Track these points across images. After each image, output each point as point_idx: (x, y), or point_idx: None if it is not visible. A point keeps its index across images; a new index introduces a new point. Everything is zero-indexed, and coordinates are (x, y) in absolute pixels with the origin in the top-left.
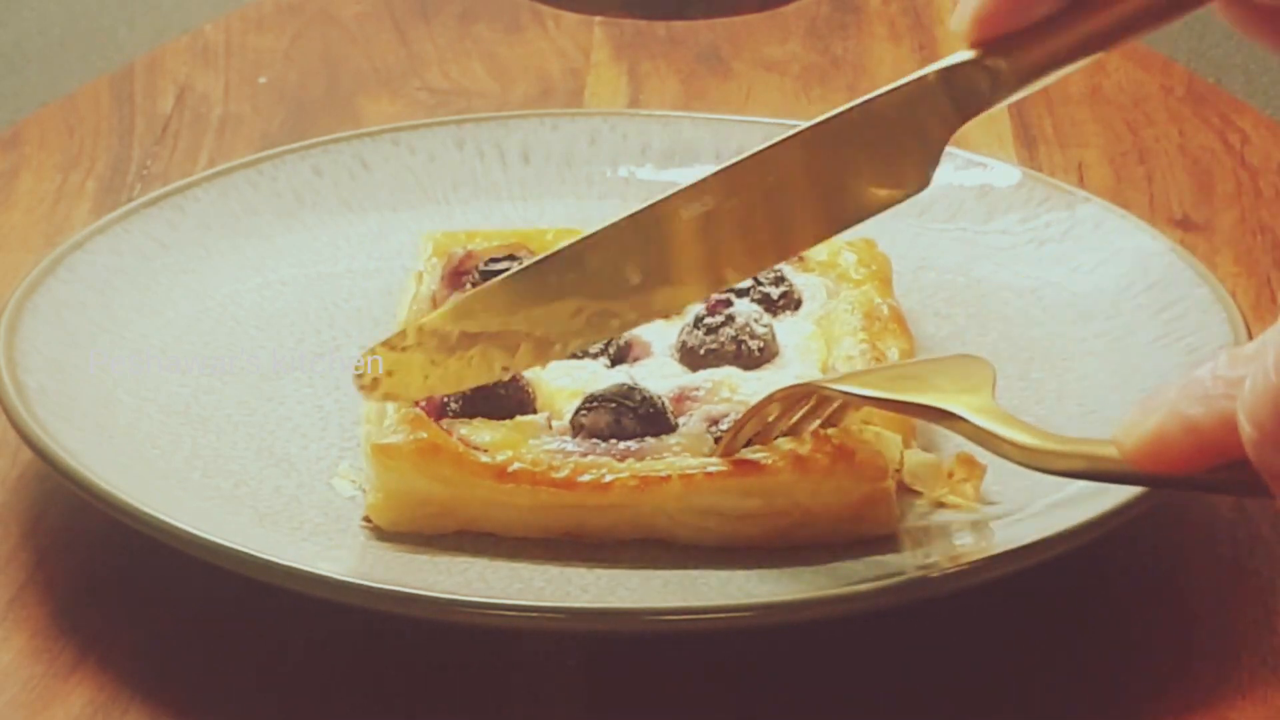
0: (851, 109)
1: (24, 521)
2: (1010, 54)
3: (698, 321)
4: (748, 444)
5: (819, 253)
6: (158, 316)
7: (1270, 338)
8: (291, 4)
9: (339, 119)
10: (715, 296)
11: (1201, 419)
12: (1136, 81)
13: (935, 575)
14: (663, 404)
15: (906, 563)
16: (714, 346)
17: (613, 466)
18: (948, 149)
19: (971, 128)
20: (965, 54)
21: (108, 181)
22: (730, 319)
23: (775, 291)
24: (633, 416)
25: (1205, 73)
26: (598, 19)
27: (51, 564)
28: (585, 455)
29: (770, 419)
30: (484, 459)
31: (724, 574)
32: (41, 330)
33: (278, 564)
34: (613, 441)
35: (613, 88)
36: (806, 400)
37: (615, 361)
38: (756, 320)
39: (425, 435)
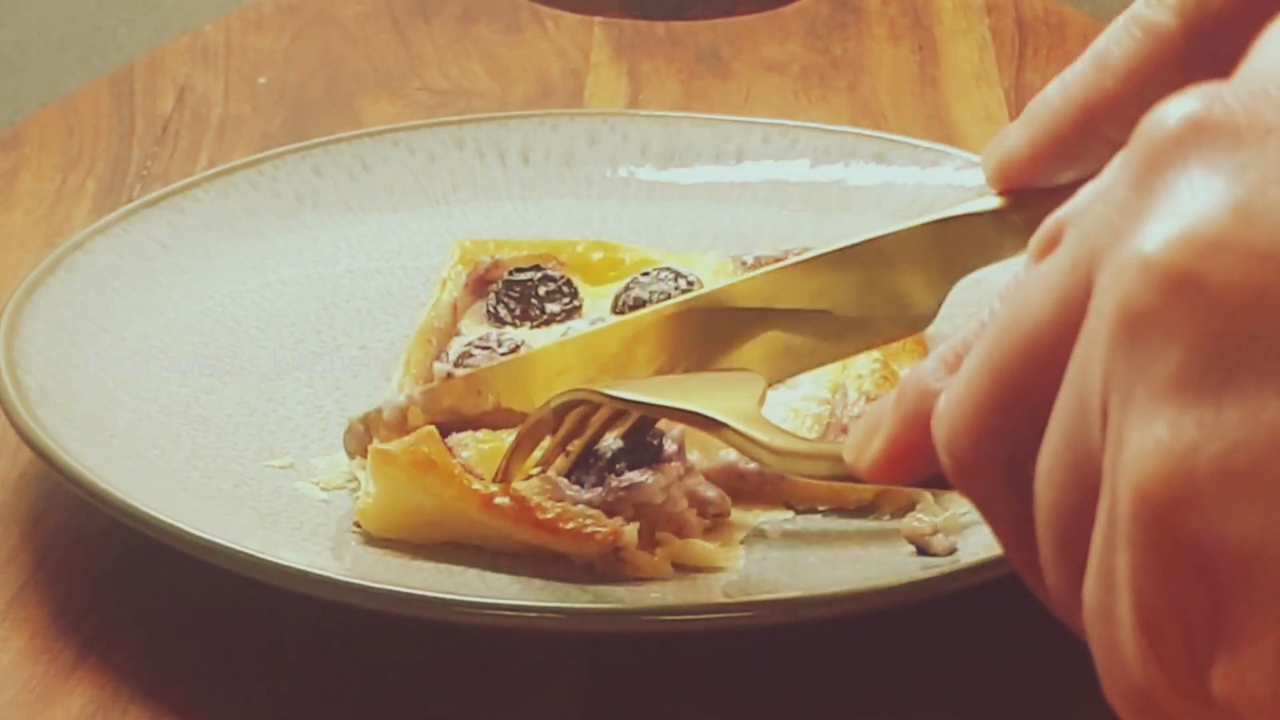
0: (862, 244)
1: (24, 521)
2: (1028, 209)
3: None
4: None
5: None
6: (158, 316)
7: (957, 344)
8: (291, 4)
9: (339, 119)
10: None
11: (918, 435)
12: None
13: (935, 575)
14: (640, 443)
15: (907, 563)
16: None
17: (599, 519)
18: (947, 149)
19: (971, 127)
20: (984, 203)
21: (108, 181)
22: None
23: None
24: (594, 464)
25: None
26: (597, 19)
27: (51, 564)
28: (576, 502)
29: (559, 432)
30: (476, 485)
31: (722, 574)
32: (41, 330)
33: (278, 564)
34: (610, 482)
35: (613, 88)
36: (593, 410)
37: None
38: None
39: (425, 450)
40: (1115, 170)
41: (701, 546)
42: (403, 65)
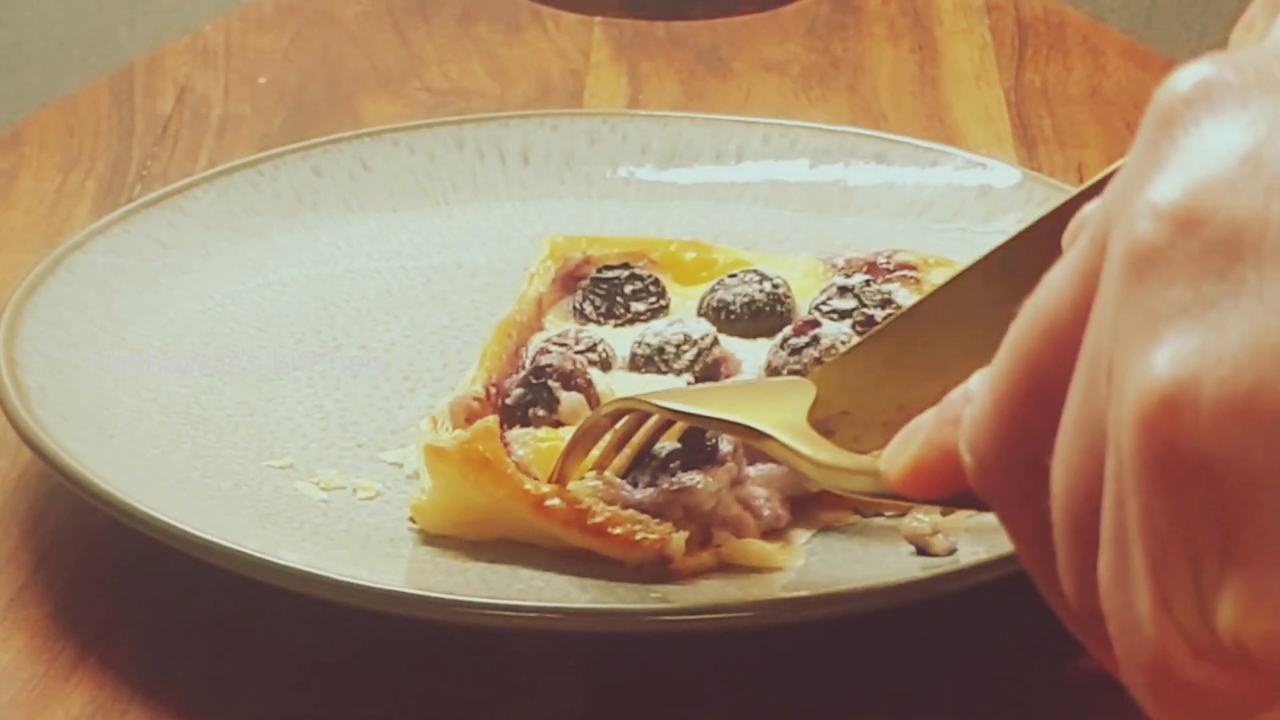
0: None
1: (24, 521)
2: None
3: (784, 342)
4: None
5: (936, 276)
6: (158, 316)
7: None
8: (291, 4)
9: (339, 119)
10: (804, 317)
11: (955, 444)
12: (1136, 81)
13: (935, 575)
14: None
15: (907, 563)
16: (796, 367)
17: (648, 525)
18: (947, 149)
19: (971, 127)
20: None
21: (108, 181)
22: (815, 340)
23: (879, 313)
24: (650, 463)
25: None
26: (597, 19)
27: (51, 564)
28: (627, 506)
29: (614, 435)
30: (528, 485)
31: (723, 575)
32: (41, 330)
33: (277, 564)
34: (662, 483)
35: (613, 88)
36: (644, 417)
37: (701, 379)
38: (843, 342)
39: (479, 447)
40: (1132, 149)
41: (759, 546)
42: (403, 65)
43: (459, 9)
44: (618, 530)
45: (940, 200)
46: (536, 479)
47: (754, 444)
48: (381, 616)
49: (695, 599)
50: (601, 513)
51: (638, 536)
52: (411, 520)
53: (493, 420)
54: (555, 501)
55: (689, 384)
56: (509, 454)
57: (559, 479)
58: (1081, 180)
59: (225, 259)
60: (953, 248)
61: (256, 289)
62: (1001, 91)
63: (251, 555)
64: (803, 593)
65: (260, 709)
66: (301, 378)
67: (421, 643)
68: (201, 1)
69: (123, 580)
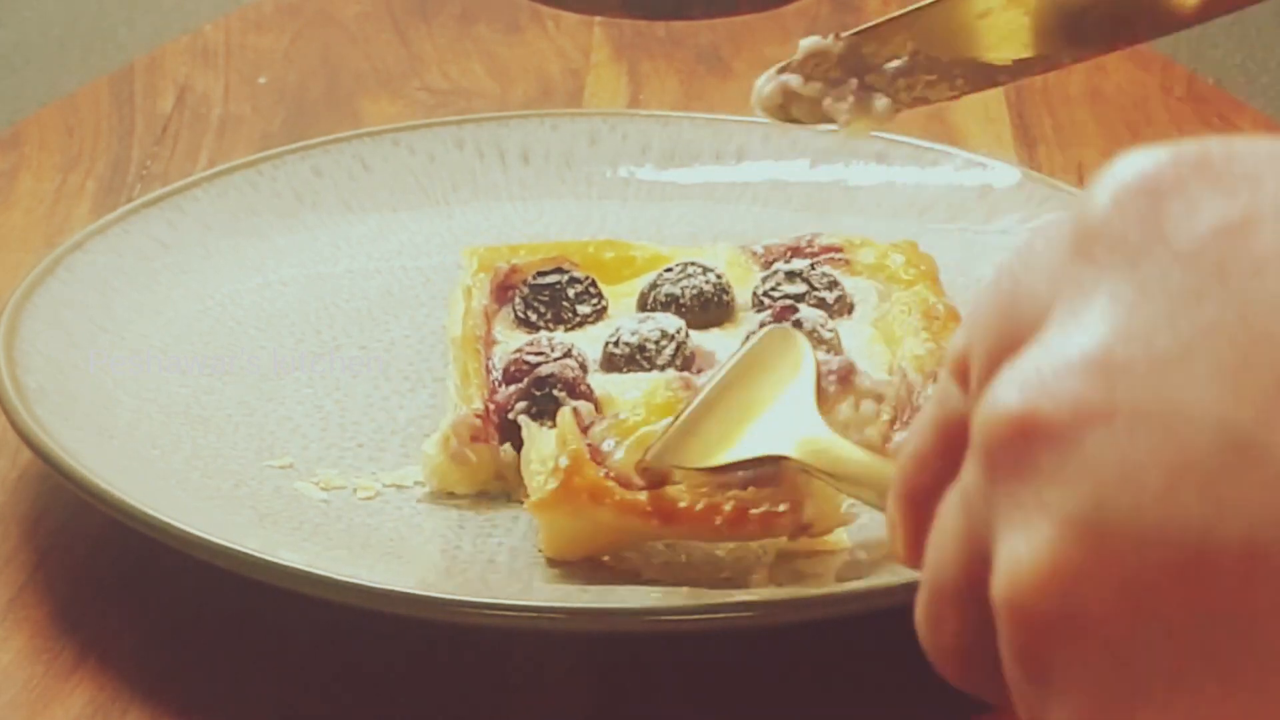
0: None
1: (24, 521)
2: None
3: (762, 328)
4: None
5: (867, 255)
6: (158, 316)
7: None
8: (291, 4)
9: (339, 119)
10: (781, 304)
11: (926, 517)
12: (1136, 81)
13: None
14: None
15: None
16: None
17: (774, 497)
18: (947, 149)
19: (971, 127)
20: None
21: (108, 181)
22: (798, 324)
23: (830, 296)
24: None
25: (1205, 72)
26: (598, 19)
27: (51, 564)
28: (728, 489)
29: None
30: (642, 498)
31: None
32: (41, 330)
33: (277, 564)
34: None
35: (613, 88)
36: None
37: (681, 372)
38: (822, 325)
39: (577, 481)
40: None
41: (833, 504)
42: (403, 65)
43: (459, 9)
44: (757, 511)
45: (940, 200)
46: (640, 487)
47: (774, 467)
48: (382, 616)
49: (695, 599)
50: (727, 500)
51: (780, 509)
52: (549, 560)
53: (577, 448)
54: (683, 504)
55: (671, 379)
56: (602, 465)
57: (643, 475)
58: (1082, 180)
59: (225, 259)
60: (952, 248)
61: (256, 289)
62: (1001, 91)
63: (251, 555)
64: (802, 593)
65: (260, 709)
66: (301, 378)
67: (421, 643)
68: (201, 1)
69: (123, 580)
